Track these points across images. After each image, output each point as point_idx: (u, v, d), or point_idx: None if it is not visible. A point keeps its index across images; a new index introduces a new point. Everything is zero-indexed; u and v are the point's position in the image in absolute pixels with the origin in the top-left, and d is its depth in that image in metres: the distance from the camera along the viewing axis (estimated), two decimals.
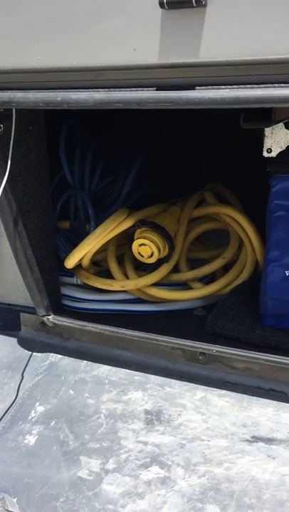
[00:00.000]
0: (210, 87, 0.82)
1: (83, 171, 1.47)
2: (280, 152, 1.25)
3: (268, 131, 1.40)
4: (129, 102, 0.87)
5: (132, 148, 1.56)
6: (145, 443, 1.07)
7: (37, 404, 1.21)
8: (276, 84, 0.78)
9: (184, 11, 0.79)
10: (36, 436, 1.13)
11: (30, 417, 1.18)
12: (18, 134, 1.10)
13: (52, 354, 1.34)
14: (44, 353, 1.35)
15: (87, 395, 1.21)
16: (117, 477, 1.01)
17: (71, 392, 1.23)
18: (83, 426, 1.14)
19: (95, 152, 1.48)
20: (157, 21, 0.81)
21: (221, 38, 0.79)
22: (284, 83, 0.78)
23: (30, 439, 1.13)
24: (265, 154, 1.43)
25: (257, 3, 0.75)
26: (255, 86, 0.80)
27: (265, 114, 0.99)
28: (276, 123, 1.03)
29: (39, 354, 1.35)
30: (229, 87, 0.81)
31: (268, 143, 1.42)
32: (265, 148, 1.43)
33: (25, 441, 1.12)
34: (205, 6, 0.78)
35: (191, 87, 0.84)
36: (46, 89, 0.94)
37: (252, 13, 0.76)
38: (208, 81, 0.83)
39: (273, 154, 1.39)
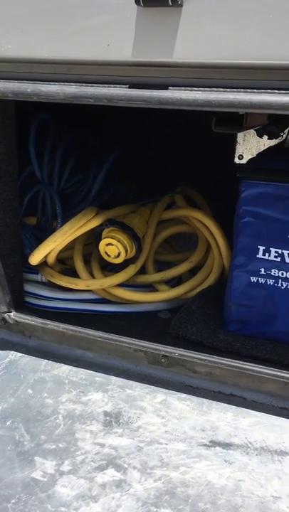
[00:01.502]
0: (183, 88, 0.82)
1: (53, 166, 1.45)
2: (251, 158, 1.26)
3: (240, 137, 1.42)
4: (101, 98, 0.85)
5: (104, 146, 1.55)
6: (102, 445, 1.05)
7: None
8: (248, 90, 0.78)
9: (159, 9, 0.78)
10: None
11: None
12: None
13: (12, 352, 1.31)
14: (4, 351, 1.32)
15: (45, 394, 1.19)
16: (72, 479, 0.99)
17: (29, 391, 1.20)
18: (40, 426, 1.11)
19: (65, 148, 1.46)
20: (132, 18, 0.80)
21: (196, 40, 0.79)
22: (256, 89, 0.78)
23: None
24: (237, 160, 1.44)
25: (233, 8, 0.75)
26: (228, 90, 0.80)
27: (237, 120, 0.99)
28: (247, 129, 1.04)
29: None
30: (202, 89, 0.81)
31: (239, 149, 1.43)
32: (236, 155, 1.44)
33: None
34: (181, 5, 0.77)
35: (164, 86, 0.83)
36: (16, 79, 0.92)
37: (228, 16, 0.76)
38: (182, 82, 0.83)
39: (244, 161, 1.40)
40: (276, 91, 0.77)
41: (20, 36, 0.89)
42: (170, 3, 0.75)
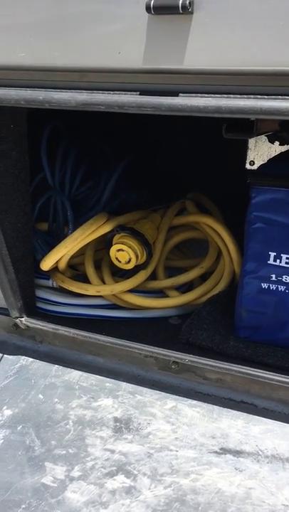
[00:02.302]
0: (193, 94, 0.82)
1: (64, 173, 1.46)
2: (261, 164, 1.26)
3: (251, 143, 1.42)
4: (112, 105, 0.86)
5: (115, 152, 1.56)
6: (112, 451, 1.05)
7: (4, 407, 1.19)
8: (259, 96, 0.78)
9: (170, 17, 0.79)
10: (2, 441, 1.11)
11: None
12: None
13: (23, 357, 1.32)
14: (15, 356, 1.33)
15: (56, 400, 1.19)
16: (82, 485, 0.99)
17: (40, 396, 1.21)
18: (50, 431, 1.11)
19: (77, 155, 1.47)
20: (143, 26, 0.81)
21: (207, 46, 0.79)
22: (266, 95, 0.78)
23: None
24: (248, 166, 1.44)
25: (243, 15, 0.75)
26: (238, 96, 0.80)
27: (248, 126, 0.99)
28: (258, 135, 1.04)
29: (10, 357, 1.32)
30: (212, 95, 0.81)
31: (251, 155, 1.43)
32: (248, 160, 1.44)
33: None
34: (192, 13, 0.77)
35: (174, 93, 0.83)
36: (29, 87, 0.93)
37: (238, 23, 0.76)
38: (192, 89, 0.83)
39: (256, 166, 1.40)
40: (287, 97, 0.76)
41: (32, 45, 0.90)
42: (181, 11, 0.76)
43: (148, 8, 0.77)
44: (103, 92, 0.88)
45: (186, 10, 0.76)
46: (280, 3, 0.73)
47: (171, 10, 0.77)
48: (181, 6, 0.75)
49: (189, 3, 0.75)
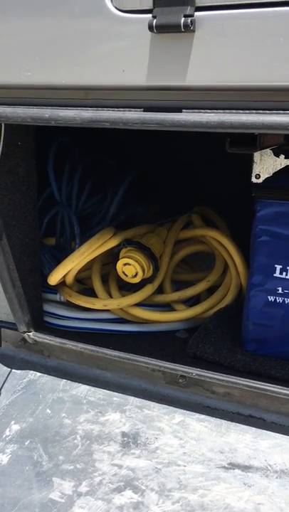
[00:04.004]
0: (196, 110, 0.84)
1: (71, 188, 1.48)
2: (267, 178, 1.27)
3: (256, 157, 1.42)
4: (116, 122, 0.87)
5: (121, 167, 1.57)
6: (120, 466, 1.05)
7: (12, 422, 1.19)
8: (260, 111, 0.79)
9: (172, 35, 0.80)
10: (9, 456, 1.11)
11: (4, 436, 1.16)
12: (7, 149, 1.11)
13: (31, 371, 1.32)
14: (23, 370, 1.33)
15: (64, 414, 1.19)
16: (90, 500, 0.99)
17: (48, 411, 1.21)
18: (58, 446, 1.11)
19: (83, 170, 1.49)
20: (146, 44, 0.83)
21: (208, 64, 0.81)
22: (268, 110, 0.79)
23: (3, 458, 1.10)
24: (254, 180, 1.45)
25: (243, 33, 0.77)
26: (240, 111, 0.81)
27: (251, 140, 1.00)
28: (262, 149, 1.05)
29: (18, 371, 1.33)
30: (215, 111, 0.82)
31: (256, 169, 1.44)
32: (253, 174, 1.44)
33: None
34: (193, 31, 0.79)
35: (177, 109, 0.85)
36: (35, 105, 0.95)
37: (238, 41, 0.78)
38: (195, 104, 0.84)
39: (261, 180, 1.41)
40: (288, 111, 0.77)
41: (38, 64, 0.92)
42: (182, 30, 0.77)
43: (151, 28, 0.79)
44: (108, 109, 0.90)
45: (188, 28, 0.77)
46: (279, 21, 0.74)
47: (173, 29, 0.78)
48: (183, 25, 0.77)
49: (191, 22, 0.77)
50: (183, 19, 0.77)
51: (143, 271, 1.28)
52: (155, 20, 0.79)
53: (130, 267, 1.28)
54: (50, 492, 1.01)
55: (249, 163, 1.42)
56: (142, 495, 0.98)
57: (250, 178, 1.43)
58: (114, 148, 1.59)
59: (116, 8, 0.84)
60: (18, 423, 1.19)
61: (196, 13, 0.78)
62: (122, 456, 1.07)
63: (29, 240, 1.25)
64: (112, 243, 1.32)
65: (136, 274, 1.28)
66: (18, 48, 0.93)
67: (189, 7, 0.77)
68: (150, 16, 0.80)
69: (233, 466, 1.03)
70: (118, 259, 1.30)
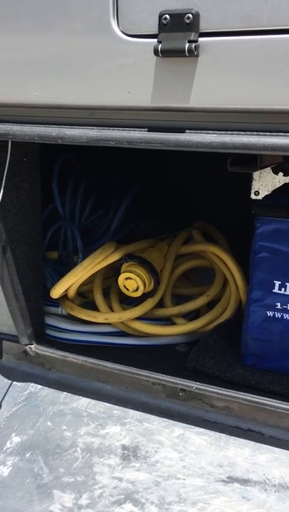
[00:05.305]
0: (199, 131, 0.86)
1: (74, 203, 1.50)
2: (266, 195, 1.29)
3: (256, 174, 1.45)
4: (121, 141, 0.90)
5: (124, 183, 1.60)
6: (120, 479, 1.06)
7: (13, 434, 1.20)
8: (261, 133, 0.82)
9: (177, 59, 0.84)
10: (10, 468, 1.12)
11: (5, 448, 1.17)
12: (13, 165, 1.13)
13: (32, 384, 1.33)
14: (24, 383, 1.34)
15: (64, 427, 1.20)
16: None
17: (49, 423, 1.22)
18: (59, 459, 1.12)
19: (87, 186, 1.51)
20: (151, 67, 0.86)
21: (211, 87, 0.84)
22: (269, 132, 0.82)
23: (4, 471, 1.11)
24: (253, 196, 1.47)
25: (245, 58, 0.80)
26: (242, 133, 0.84)
27: (252, 159, 1.03)
28: (261, 168, 1.08)
29: (19, 383, 1.34)
30: (217, 132, 0.85)
31: (255, 186, 1.47)
32: (252, 191, 1.47)
33: None
34: (197, 56, 0.82)
35: (181, 130, 0.87)
36: (42, 124, 0.98)
37: (241, 65, 0.81)
38: (198, 125, 0.87)
39: (260, 196, 1.44)
40: (288, 134, 0.80)
41: (46, 84, 0.95)
42: (187, 54, 0.81)
43: (156, 52, 0.82)
44: (113, 128, 0.92)
45: (192, 53, 0.81)
46: (279, 47, 0.77)
47: (177, 53, 0.81)
48: (188, 50, 0.80)
49: (195, 47, 0.80)
50: (187, 44, 0.80)
51: (144, 285, 1.30)
52: (160, 45, 0.82)
53: (131, 281, 1.30)
54: (50, 504, 1.02)
55: (249, 179, 1.45)
56: (141, 508, 0.99)
57: (250, 195, 1.46)
58: (116, 164, 1.62)
59: (123, 32, 0.87)
60: (18, 435, 1.19)
61: (200, 39, 0.81)
62: (122, 469, 1.08)
63: (33, 254, 1.27)
64: (114, 258, 1.34)
65: (137, 289, 1.30)
66: (27, 69, 0.96)
67: (193, 33, 0.81)
68: (156, 40, 0.83)
69: (232, 479, 1.04)
70: (120, 274, 1.32)
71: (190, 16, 0.80)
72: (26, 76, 0.97)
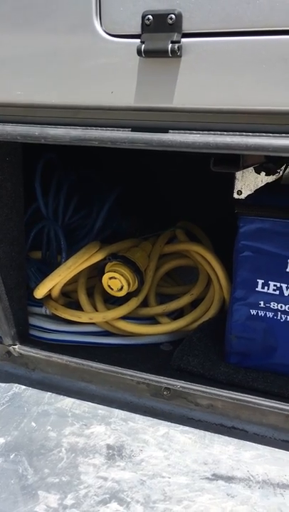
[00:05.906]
0: (182, 131, 0.87)
1: (57, 203, 1.50)
2: (249, 194, 1.30)
3: (239, 174, 1.46)
4: (105, 141, 0.90)
5: (107, 183, 1.60)
6: (105, 478, 1.06)
7: None
8: (244, 133, 0.83)
9: (160, 60, 0.84)
10: None
11: None
12: None
13: (16, 385, 1.33)
14: (8, 384, 1.33)
15: (49, 427, 1.20)
16: None
17: (33, 424, 1.21)
18: (43, 459, 1.12)
19: (70, 185, 1.51)
20: (135, 67, 0.86)
21: (194, 87, 0.84)
22: (251, 132, 0.83)
23: None
24: (236, 196, 1.49)
25: (228, 58, 0.81)
26: (225, 133, 0.84)
27: (234, 159, 1.04)
28: (243, 168, 1.09)
29: (2, 384, 1.33)
30: (200, 132, 0.86)
31: (238, 185, 1.48)
32: (235, 190, 1.48)
33: None
34: (180, 56, 0.83)
35: (164, 130, 0.88)
36: (25, 123, 0.97)
37: (223, 66, 0.82)
38: (181, 125, 0.87)
39: (243, 196, 1.45)
40: (270, 134, 0.81)
41: (29, 84, 0.95)
42: (170, 55, 0.81)
43: (139, 52, 0.82)
44: (96, 128, 0.92)
45: (175, 54, 0.81)
46: (261, 48, 0.78)
47: (160, 54, 0.82)
48: (171, 51, 0.80)
49: (178, 47, 0.81)
50: (170, 45, 0.80)
51: (128, 284, 1.30)
52: (143, 46, 0.82)
53: (116, 280, 1.30)
54: (35, 505, 1.02)
55: (231, 179, 1.46)
56: (127, 507, 0.99)
57: (232, 194, 1.47)
58: (98, 163, 1.62)
59: (106, 32, 0.87)
60: (2, 436, 1.19)
61: (183, 40, 0.82)
62: (108, 469, 1.08)
63: (15, 254, 1.26)
64: (98, 257, 1.34)
65: (121, 288, 1.30)
66: (9, 68, 0.95)
67: (176, 34, 0.81)
68: (138, 40, 0.83)
69: (216, 477, 1.05)
70: (104, 273, 1.32)
71: (173, 16, 0.80)
72: (8, 75, 0.96)
